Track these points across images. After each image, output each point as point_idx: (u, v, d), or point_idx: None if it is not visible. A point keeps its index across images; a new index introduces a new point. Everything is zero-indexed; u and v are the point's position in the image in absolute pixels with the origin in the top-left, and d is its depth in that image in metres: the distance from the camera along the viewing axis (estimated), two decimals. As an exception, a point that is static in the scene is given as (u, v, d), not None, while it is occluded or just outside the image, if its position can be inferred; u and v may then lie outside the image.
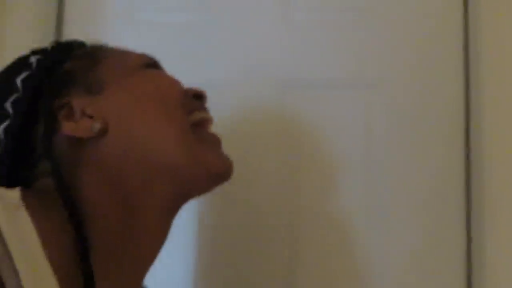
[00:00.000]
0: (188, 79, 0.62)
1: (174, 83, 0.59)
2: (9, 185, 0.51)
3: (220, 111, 0.68)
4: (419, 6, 0.94)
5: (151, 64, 0.61)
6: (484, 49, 0.90)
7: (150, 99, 0.56)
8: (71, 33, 1.01)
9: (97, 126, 0.53)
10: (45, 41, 0.73)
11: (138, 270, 0.56)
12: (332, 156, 0.92)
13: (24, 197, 0.48)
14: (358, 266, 0.90)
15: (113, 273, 0.52)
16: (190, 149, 0.55)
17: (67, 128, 0.53)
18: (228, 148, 0.61)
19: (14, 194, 0.48)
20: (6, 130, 0.53)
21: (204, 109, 0.61)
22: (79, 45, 0.62)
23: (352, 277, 0.90)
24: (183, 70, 0.64)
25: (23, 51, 0.60)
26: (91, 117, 0.54)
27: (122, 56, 0.60)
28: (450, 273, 0.88)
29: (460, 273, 0.88)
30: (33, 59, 0.57)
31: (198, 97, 0.61)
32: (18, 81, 0.55)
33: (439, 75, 0.93)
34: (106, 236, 0.51)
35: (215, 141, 0.59)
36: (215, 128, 0.62)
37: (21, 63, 0.58)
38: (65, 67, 0.57)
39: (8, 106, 0.54)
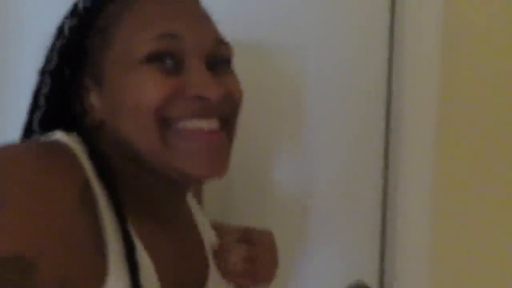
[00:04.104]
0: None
1: (156, 90, 0.55)
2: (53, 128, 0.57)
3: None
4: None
5: (159, 54, 0.56)
6: (408, 12, 0.96)
7: (129, 106, 0.55)
8: None
9: (95, 119, 0.59)
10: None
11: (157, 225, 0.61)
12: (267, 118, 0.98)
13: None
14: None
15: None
16: (163, 159, 0.56)
17: (84, 114, 0.59)
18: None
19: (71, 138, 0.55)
20: (49, 92, 0.60)
21: (196, 114, 0.57)
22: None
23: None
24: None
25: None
26: (93, 105, 0.59)
27: (132, 37, 0.57)
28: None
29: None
30: (71, 23, 0.59)
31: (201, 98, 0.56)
32: (57, 45, 0.59)
33: (364, 40, 1.00)
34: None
35: (197, 150, 0.56)
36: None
37: (59, 26, 0.61)
38: (88, 40, 0.59)
39: (45, 69, 0.60)
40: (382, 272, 1.04)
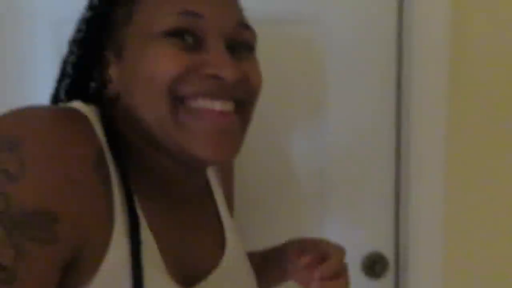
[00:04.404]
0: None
1: (172, 64, 0.54)
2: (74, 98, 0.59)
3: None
4: None
5: (179, 30, 0.55)
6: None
7: (144, 78, 0.55)
8: None
9: (112, 92, 0.59)
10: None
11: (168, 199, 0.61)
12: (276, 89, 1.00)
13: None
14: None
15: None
16: (172, 136, 0.55)
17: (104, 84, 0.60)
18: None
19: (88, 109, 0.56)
20: (75, 62, 0.61)
21: (211, 94, 0.55)
22: None
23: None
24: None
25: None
26: (111, 77, 0.59)
27: (154, 12, 0.56)
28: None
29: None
30: None
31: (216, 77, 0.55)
32: (84, 16, 0.61)
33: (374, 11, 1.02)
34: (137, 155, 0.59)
35: (206, 130, 0.55)
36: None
37: None
38: (114, 12, 0.59)
39: (76, 37, 0.62)
40: (397, 241, 1.08)
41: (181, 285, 0.57)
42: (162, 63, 0.54)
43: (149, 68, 0.54)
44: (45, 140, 0.46)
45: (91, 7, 0.61)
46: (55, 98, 0.63)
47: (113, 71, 0.59)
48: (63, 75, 0.62)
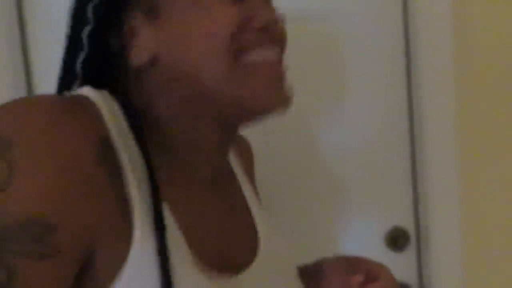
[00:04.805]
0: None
1: (228, 18, 0.53)
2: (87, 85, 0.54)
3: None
4: None
5: None
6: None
7: (200, 34, 0.52)
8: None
9: (145, 56, 0.53)
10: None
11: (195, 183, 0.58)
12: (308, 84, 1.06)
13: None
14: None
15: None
16: (233, 90, 0.53)
17: (129, 52, 0.54)
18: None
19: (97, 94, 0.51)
20: (90, 35, 0.54)
21: (264, 44, 0.55)
22: None
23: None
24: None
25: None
26: (145, 43, 0.54)
27: None
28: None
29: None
30: None
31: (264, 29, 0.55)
32: None
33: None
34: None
35: (267, 79, 0.55)
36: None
37: None
38: None
39: (89, 8, 0.53)
40: (417, 217, 1.15)
41: (215, 279, 0.53)
42: (219, 18, 0.52)
43: (205, 25, 0.52)
44: (38, 139, 0.42)
45: None
46: (69, 73, 0.56)
47: (145, 35, 0.53)
48: (76, 47, 0.55)
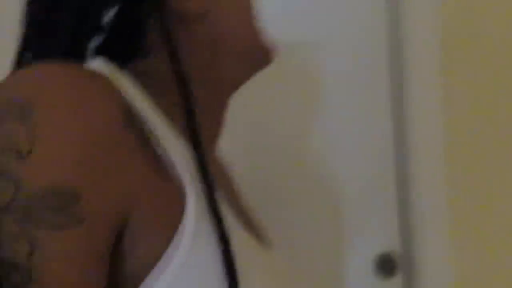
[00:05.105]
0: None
1: None
2: (114, 58, 0.50)
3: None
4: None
5: None
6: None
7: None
8: None
9: (201, 7, 0.52)
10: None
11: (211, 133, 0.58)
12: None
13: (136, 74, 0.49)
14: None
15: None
16: (263, 40, 0.58)
17: (177, 4, 0.51)
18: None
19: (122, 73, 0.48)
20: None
21: None
22: None
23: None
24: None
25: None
26: None
27: None
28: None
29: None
30: None
31: None
32: None
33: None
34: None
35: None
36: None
37: None
38: None
39: None
40: (405, 243, 1.15)
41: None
42: None
43: None
44: (61, 102, 0.39)
45: None
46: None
47: None
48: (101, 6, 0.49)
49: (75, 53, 0.48)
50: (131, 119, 0.43)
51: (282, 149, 1.11)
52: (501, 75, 1.13)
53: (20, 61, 0.50)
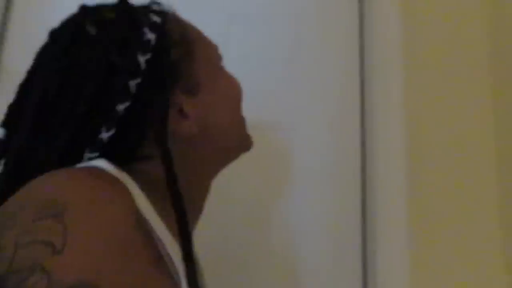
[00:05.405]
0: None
1: (238, 83, 0.69)
2: (113, 160, 0.54)
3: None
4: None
5: (220, 57, 0.68)
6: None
7: (229, 101, 0.66)
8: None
9: (195, 129, 0.59)
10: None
11: (195, 221, 0.67)
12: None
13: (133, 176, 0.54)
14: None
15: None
16: (244, 137, 0.70)
17: (174, 128, 0.57)
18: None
19: (122, 173, 0.53)
20: (127, 109, 0.54)
21: None
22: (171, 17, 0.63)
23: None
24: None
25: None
26: (187, 116, 0.59)
27: (206, 47, 0.66)
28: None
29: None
30: (151, 37, 0.57)
31: None
32: (142, 61, 0.55)
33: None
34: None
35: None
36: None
37: (137, 37, 0.56)
38: (171, 57, 0.58)
39: (132, 85, 0.54)
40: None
41: None
42: (235, 84, 0.68)
43: (228, 93, 0.66)
44: (90, 207, 0.45)
45: (144, 49, 0.56)
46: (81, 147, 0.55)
47: (188, 109, 0.59)
48: (101, 120, 0.54)
49: (70, 160, 0.53)
50: (140, 220, 0.49)
51: (248, 227, 1.11)
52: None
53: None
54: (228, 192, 1.10)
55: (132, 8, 0.60)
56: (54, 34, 0.58)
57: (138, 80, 0.55)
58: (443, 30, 1.23)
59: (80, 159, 0.54)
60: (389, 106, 1.15)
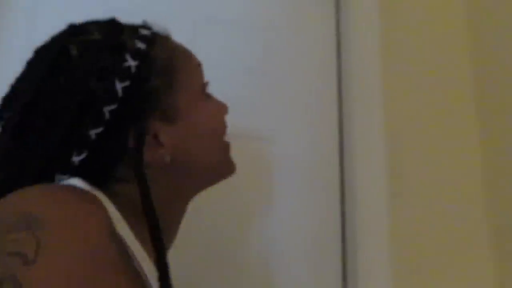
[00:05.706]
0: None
1: (223, 112, 0.69)
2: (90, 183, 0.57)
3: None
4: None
5: (204, 85, 0.68)
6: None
7: (210, 132, 0.66)
8: None
9: (168, 158, 0.60)
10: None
11: (170, 241, 0.67)
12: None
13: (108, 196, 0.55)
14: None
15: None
16: (225, 164, 0.70)
17: (148, 155, 0.58)
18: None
19: (99, 194, 0.54)
20: (100, 135, 0.55)
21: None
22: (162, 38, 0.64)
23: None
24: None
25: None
26: (163, 145, 0.59)
27: (191, 75, 0.65)
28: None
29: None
30: (132, 64, 0.57)
31: None
32: (119, 88, 0.56)
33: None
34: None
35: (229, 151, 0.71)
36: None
37: (118, 63, 0.57)
38: (151, 85, 0.59)
39: (106, 112, 0.55)
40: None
41: None
42: (217, 117, 0.68)
43: (208, 122, 0.65)
44: (64, 223, 0.45)
45: (123, 76, 0.56)
46: (56, 163, 0.56)
47: (164, 137, 0.60)
48: (72, 143, 0.55)
49: (41, 180, 0.54)
50: (114, 234, 0.51)
51: (227, 236, 1.10)
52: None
53: None
54: (207, 202, 1.07)
55: (120, 30, 0.60)
56: (39, 53, 0.58)
57: (113, 107, 0.55)
58: (422, 33, 1.25)
59: (52, 180, 0.56)
60: (368, 113, 1.17)
